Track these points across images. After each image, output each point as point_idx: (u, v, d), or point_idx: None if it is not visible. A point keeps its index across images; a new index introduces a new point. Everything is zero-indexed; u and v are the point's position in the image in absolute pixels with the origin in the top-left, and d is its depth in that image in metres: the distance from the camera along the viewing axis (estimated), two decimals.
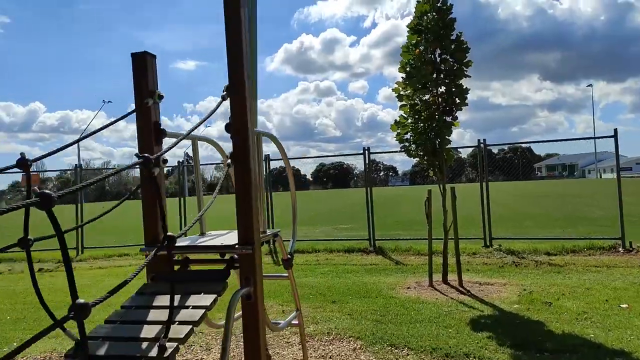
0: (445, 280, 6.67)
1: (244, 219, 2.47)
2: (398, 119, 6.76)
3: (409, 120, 6.66)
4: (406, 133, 6.79)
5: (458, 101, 6.46)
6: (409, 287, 6.58)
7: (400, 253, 9.46)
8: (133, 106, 2.62)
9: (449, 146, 6.63)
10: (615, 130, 8.91)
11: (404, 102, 6.63)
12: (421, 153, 6.73)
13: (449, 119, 6.52)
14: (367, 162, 10.53)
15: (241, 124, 2.49)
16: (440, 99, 6.47)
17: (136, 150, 2.56)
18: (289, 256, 3.44)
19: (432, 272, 6.65)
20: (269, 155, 11.48)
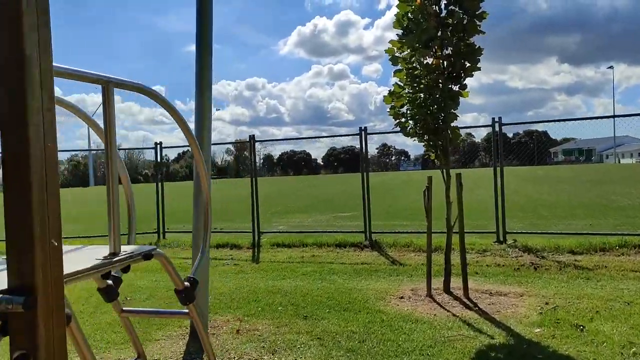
0: (447, 289, 5.42)
1: (14, 242, 1.16)
2: (392, 88, 5.44)
3: (406, 90, 5.34)
4: (402, 106, 5.48)
5: (468, 65, 5.11)
6: (402, 297, 5.34)
7: (398, 249, 8.21)
8: None
9: (455, 123, 5.32)
10: None
11: (399, 67, 5.29)
12: (420, 131, 5.42)
13: (455, 87, 5.19)
14: (363, 143, 9.23)
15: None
16: (445, 62, 5.13)
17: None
18: (186, 284, 2.17)
19: (431, 277, 5.40)
20: (253, 135, 10.26)
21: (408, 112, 5.41)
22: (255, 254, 8.58)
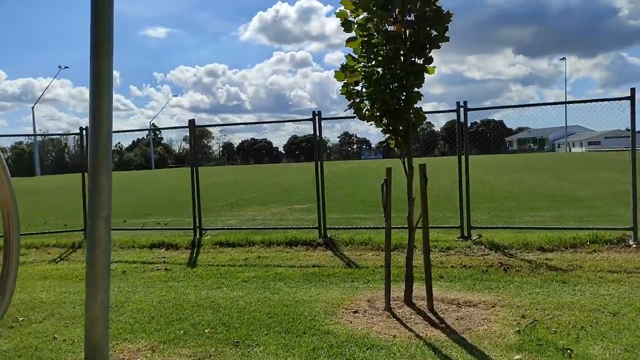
0: (408, 300, 4.60)
1: None
2: (346, 61, 4.51)
3: (361, 64, 4.42)
4: (356, 83, 4.56)
5: (434, 33, 4.25)
6: (356, 311, 4.48)
7: (355, 247, 7.37)
8: None
9: (418, 105, 4.46)
10: (633, 90, 6.91)
11: (353, 34, 4.36)
12: (378, 113, 4.54)
13: (419, 60, 4.32)
14: (316, 128, 8.28)
15: None
16: (408, 31, 4.24)
17: None
18: None
19: (390, 287, 4.56)
20: (193, 120, 9.10)
21: (364, 90, 4.51)
22: (193, 255, 7.52)
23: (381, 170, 4.87)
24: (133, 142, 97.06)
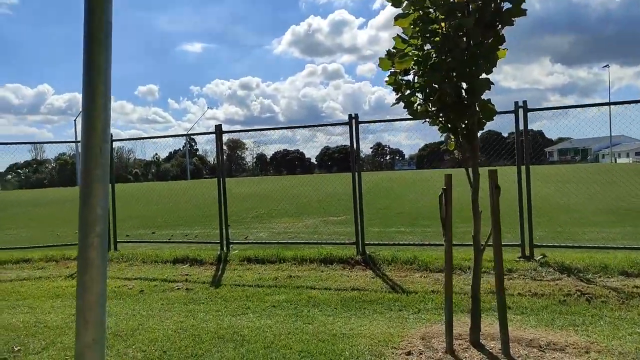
0: (475, 340, 3.68)
1: None
2: (394, 45, 3.72)
3: (414, 46, 3.62)
4: (406, 72, 3.76)
5: (507, 5, 3.40)
6: (409, 353, 3.61)
7: (398, 267, 6.48)
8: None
9: (486, 95, 3.60)
10: None
11: (404, 9, 3.56)
12: (434, 108, 3.72)
13: (488, 40, 3.47)
14: (353, 132, 7.48)
15: None
16: (471, 5, 3.41)
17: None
18: None
19: (452, 322, 3.66)
20: (220, 125, 8.48)
21: (416, 80, 3.70)
22: (218, 273, 6.82)
23: (416, 180, 4.02)
24: (170, 153, 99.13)
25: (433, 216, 12.81)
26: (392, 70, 3.83)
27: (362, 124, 7.67)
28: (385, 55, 3.81)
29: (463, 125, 3.67)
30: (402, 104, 3.89)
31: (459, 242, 5.83)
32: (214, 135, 8.40)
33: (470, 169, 3.70)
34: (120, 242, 9.02)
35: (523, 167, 6.74)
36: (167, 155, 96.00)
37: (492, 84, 3.49)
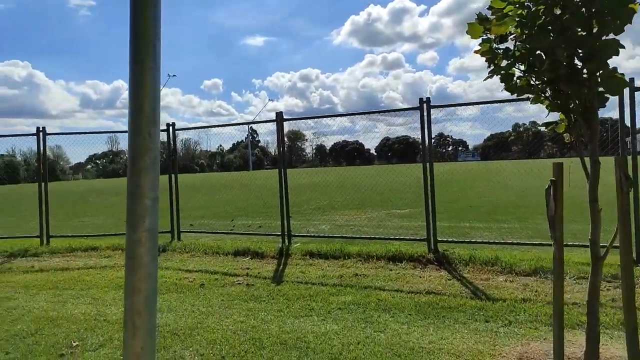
0: None
1: None
2: (489, 5, 3.07)
3: (515, 4, 2.94)
4: (503, 37, 3.10)
5: None
6: None
7: (478, 268, 5.78)
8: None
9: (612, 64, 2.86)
10: None
11: None
12: (538, 82, 3.04)
13: None
14: (425, 116, 6.80)
15: None
16: None
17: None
18: None
19: (562, 340, 2.98)
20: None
21: (518, 46, 3.03)
22: (280, 267, 6.47)
23: (483, 172, 3.30)
24: (233, 144, 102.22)
25: (509, 211, 11.81)
26: (485, 37, 3.19)
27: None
28: (476, 19, 3.17)
29: (578, 102, 2.97)
30: (497, 78, 3.26)
31: (544, 242, 5.05)
32: (275, 124, 8.06)
33: (585, 158, 2.99)
34: (183, 232, 8.98)
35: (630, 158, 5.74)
36: (231, 146, 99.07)
37: (622, 47, 2.75)
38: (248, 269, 6.44)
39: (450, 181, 20.88)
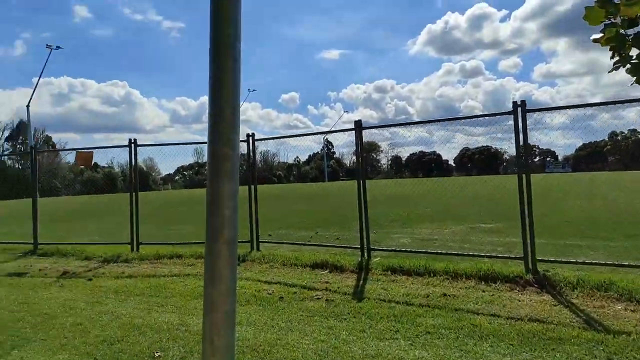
0: None
1: None
2: None
3: None
4: (633, 22, 2.60)
5: None
6: None
7: (588, 293, 5.04)
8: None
9: None
10: None
11: None
12: None
13: None
14: (520, 122, 6.16)
15: None
16: None
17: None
18: None
19: None
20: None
21: None
22: (360, 283, 6.15)
23: (574, 184, 2.71)
24: (309, 156, 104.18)
25: (612, 227, 10.51)
26: (609, 22, 2.70)
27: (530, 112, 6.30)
28: (596, 2, 2.70)
29: None
30: (625, 70, 2.75)
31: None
32: (352, 134, 7.83)
33: None
34: (262, 242, 9.00)
35: None
36: (307, 158, 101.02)
37: None
38: (327, 283, 6.20)
39: (540, 194, 19.28)
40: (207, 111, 1.50)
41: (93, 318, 4.99)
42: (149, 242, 9.71)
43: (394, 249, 7.98)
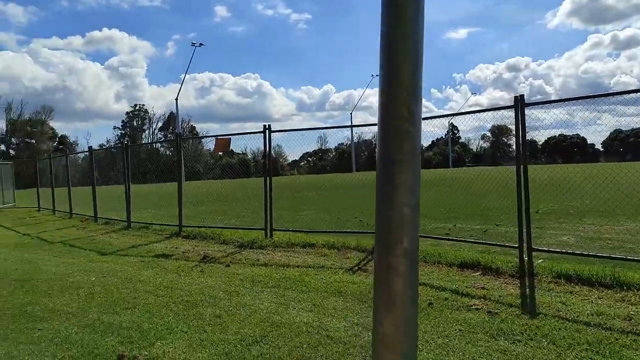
0: None
1: None
2: None
3: None
4: None
5: None
6: None
7: None
8: None
9: None
10: None
11: None
12: None
13: None
14: None
15: None
16: None
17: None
18: None
19: None
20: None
21: None
22: (526, 291, 5.06)
23: None
24: (432, 141, 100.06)
25: None
26: None
27: None
28: None
29: None
30: None
31: None
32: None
33: None
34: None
35: None
36: (430, 143, 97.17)
37: None
38: (483, 288, 5.24)
39: None
40: (379, 79, 0.99)
41: (231, 310, 4.77)
42: (281, 229, 9.62)
43: (563, 250, 6.57)
